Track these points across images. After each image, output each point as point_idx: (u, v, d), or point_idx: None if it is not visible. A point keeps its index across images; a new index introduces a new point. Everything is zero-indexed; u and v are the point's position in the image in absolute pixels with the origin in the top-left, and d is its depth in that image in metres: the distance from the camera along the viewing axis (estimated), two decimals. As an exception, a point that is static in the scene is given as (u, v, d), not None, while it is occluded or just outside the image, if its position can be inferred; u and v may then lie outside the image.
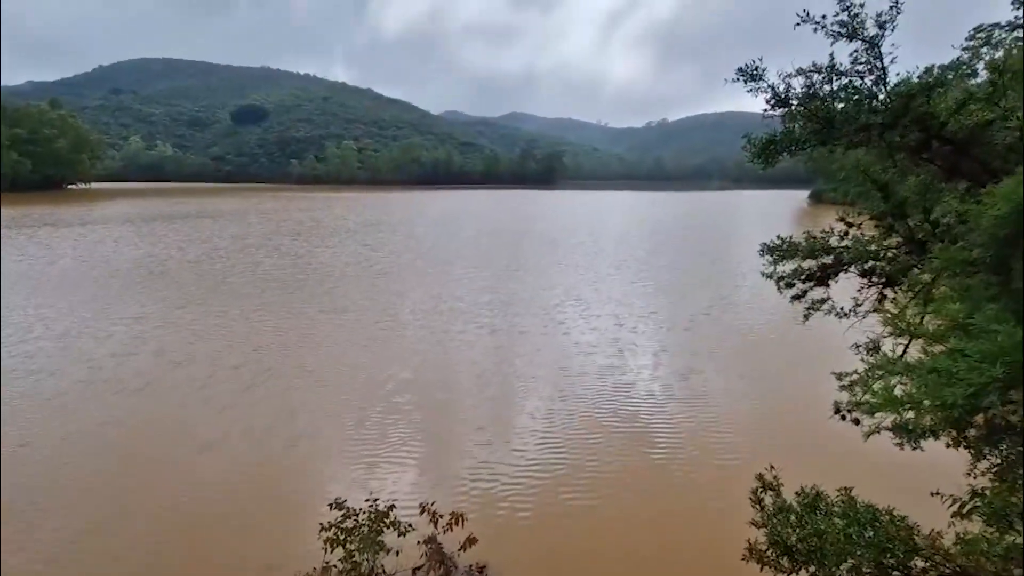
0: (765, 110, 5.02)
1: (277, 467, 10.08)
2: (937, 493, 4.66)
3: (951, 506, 4.52)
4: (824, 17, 4.76)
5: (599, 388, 13.82)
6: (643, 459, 10.47)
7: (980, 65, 6.53)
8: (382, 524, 5.78)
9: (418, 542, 5.72)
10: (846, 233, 5.28)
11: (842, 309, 5.44)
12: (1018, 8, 4.96)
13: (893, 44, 4.77)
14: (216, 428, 11.53)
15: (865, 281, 5.19)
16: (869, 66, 4.75)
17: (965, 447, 4.86)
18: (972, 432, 4.81)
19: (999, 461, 4.74)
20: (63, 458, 10.23)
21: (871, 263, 5.14)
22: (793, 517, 4.50)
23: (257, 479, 9.68)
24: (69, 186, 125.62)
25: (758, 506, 4.82)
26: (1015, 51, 5.73)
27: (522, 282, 26.56)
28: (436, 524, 5.87)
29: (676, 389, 13.83)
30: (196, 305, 21.60)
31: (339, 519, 5.59)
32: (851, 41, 4.77)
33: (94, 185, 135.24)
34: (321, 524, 5.25)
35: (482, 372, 14.87)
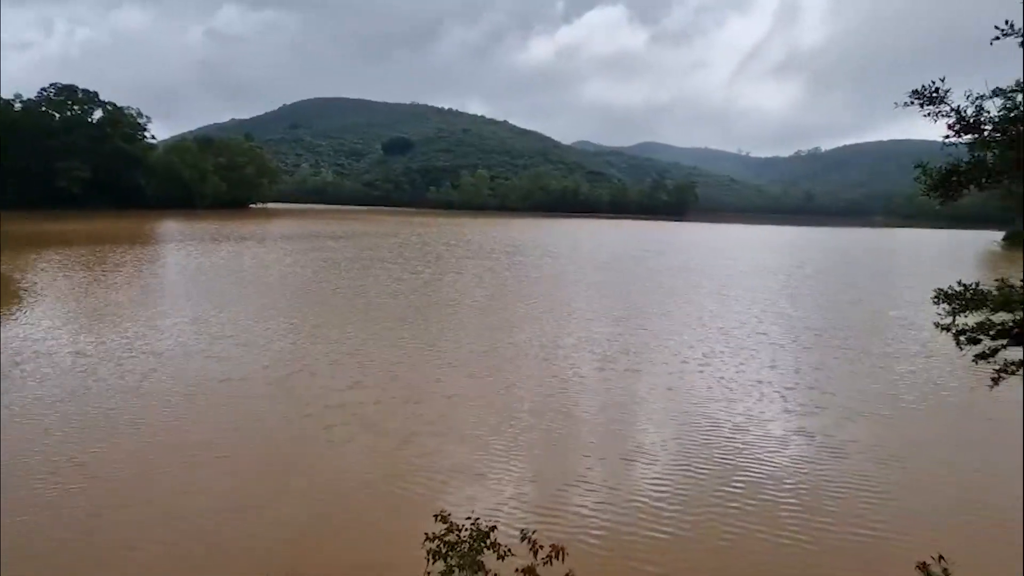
0: (946, 136, 4.33)
1: (399, 463, 10.65)
2: None
3: None
4: (1032, 27, 4.02)
5: (723, 434, 12.70)
6: (771, 513, 9.32)
7: None
8: (483, 544, 5.77)
9: (516, 570, 5.58)
10: (1057, 283, 4.29)
11: (1049, 376, 4.41)
12: None
13: None
14: (349, 419, 12.54)
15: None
16: (1096, 82, 3.90)
17: None
18: None
19: None
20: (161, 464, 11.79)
21: (1094, 322, 4.11)
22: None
23: (381, 471, 10.30)
24: (252, 205, 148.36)
25: (919, 603, 4.00)
26: None
27: (645, 329, 25.66)
28: (536, 554, 5.71)
29: (812, 441, 12.20)
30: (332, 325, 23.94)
31: (442, 532, 5.70)
32: (1071, 53, 3.97)
33: (270, 205, 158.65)
34: (426, 534, 5.38)
35: (600, 404, 14.48)
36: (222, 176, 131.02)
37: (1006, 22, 4.11)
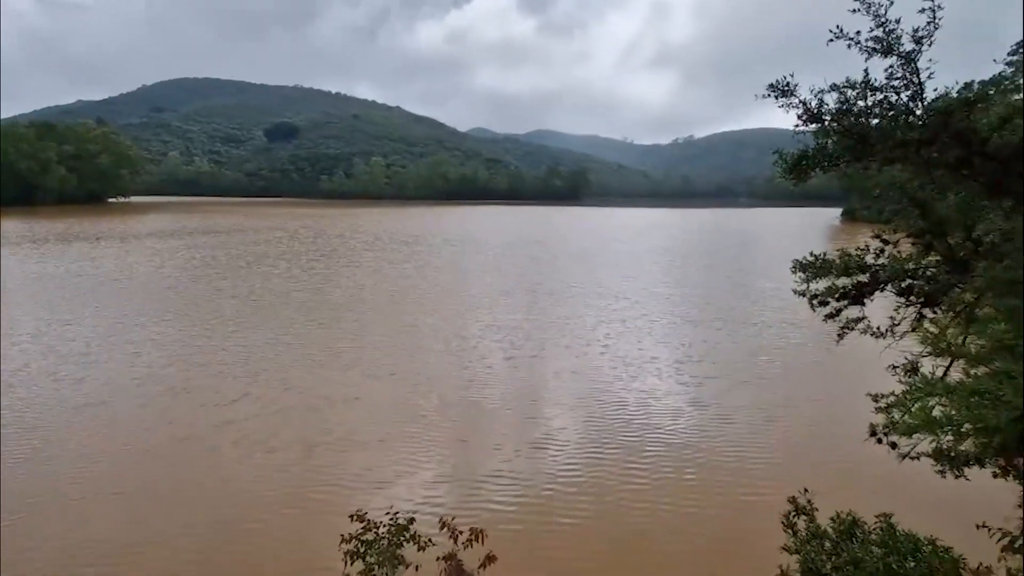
0: (796, 126, 4.95)
1: (301, 476, 10.15)
2: (984, 525, 4.41)
3: (1000, 540, 4.27)
4: (858, 33, 4.70)
5: (627, 412, 13.62)
6: (674, 484, 10.22)
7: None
8: (401, 538, 5.73)
9: (437, 558, 5.64)
10: (882, 251, 5.13)
11: (878, 329, 5.26)
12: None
13: (931, 60, 4.66)
14: (238, 437, 11.70)
15: (902, 300, 5.02)
16: (905, 81, 4.65)
17: (1015, 478, 4.60)
18: (1022, 461, 4.56)
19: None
20: (79, 467, 10.51)
21: (909, 282, 4.97)
22: (828, 544, 4.32)
23: (283, 487, 9.76)
24: (110, 200, 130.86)
25: (790, 531, 4.65)
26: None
27: (547, 311, 26.51)
28: (456, 540, 5.79)
29: (706, 411, 13.52)
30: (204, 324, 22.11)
31: (359, 531, 5.57)
32: (886, 57, 4.69)
33: (133, 199, 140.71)
34: (342, 535, 5.23)
35: (509, 394, 14.80)
36: (70, 167, 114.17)
37: (837, 27, 4.76)
